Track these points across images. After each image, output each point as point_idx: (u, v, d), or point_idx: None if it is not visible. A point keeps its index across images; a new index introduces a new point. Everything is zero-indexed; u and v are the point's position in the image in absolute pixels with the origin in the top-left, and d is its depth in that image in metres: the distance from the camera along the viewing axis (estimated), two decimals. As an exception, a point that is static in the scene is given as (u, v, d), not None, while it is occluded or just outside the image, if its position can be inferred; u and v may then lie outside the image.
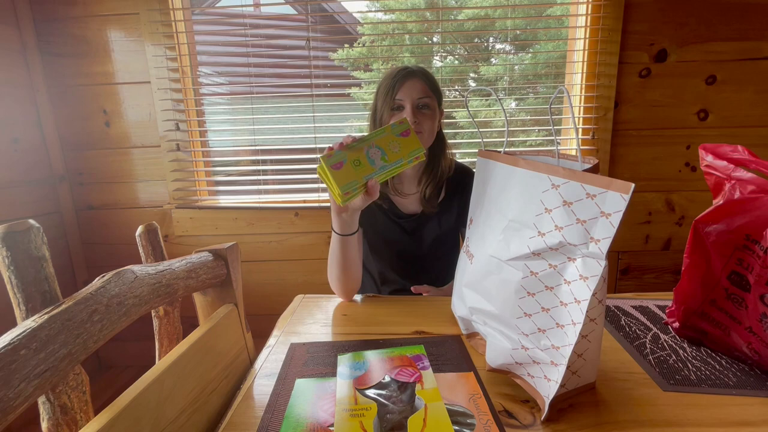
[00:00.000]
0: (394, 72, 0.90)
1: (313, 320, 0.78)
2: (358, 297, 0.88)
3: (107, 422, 0.39)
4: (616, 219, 0.42)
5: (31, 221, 0.41)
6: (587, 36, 1.50)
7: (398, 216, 1.00)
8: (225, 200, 1.71)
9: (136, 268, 0.51)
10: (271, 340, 0.71)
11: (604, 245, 0.44)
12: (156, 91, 1.56)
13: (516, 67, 1.69)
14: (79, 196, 1.67)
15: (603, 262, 0.44)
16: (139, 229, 0.71)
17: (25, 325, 0.36)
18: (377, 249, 1.02)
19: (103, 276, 0.46)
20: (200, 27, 1.67)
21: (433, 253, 1.03)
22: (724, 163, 0.61)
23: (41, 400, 0.42)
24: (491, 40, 2.70)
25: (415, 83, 0.88)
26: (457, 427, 0.47)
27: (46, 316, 0.37)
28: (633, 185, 0.41)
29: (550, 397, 0.49)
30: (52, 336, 0.36)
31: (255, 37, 1.62)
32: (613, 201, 0.43)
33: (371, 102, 0.94)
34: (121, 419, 0.41)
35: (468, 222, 0.70)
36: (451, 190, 1.00)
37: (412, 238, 1.01)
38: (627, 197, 0.41)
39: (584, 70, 1.52)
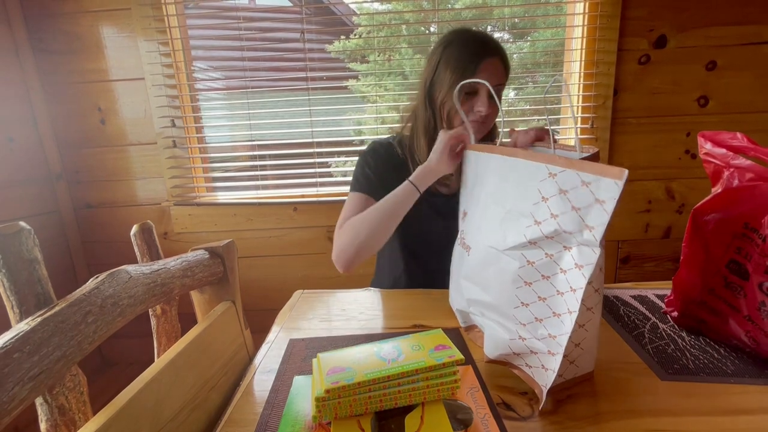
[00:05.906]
0: (467, 41, 0.73)
1: (312, 315, 0.78)
2: (361, 291, 0.88)
3: (105, 422, 0.39)
4: (610, 206, 0.42)
5: (22, 223, 0.41)
6: (586, 23, 1.48)
7: (431, 193, 0.85)
8: (223, 196, 1.70)
9: (130, 268, 0.50)
10: (271, 336, 0.71)
11: (599, 232, 0.44)
12: (150, 87, 1.55)
13: (514, 55, 1.67)
14: (77, 194, 1.67)
15: (598, 250, 0.44)
16: (134, 229, 0.70)
17: (17, 328, 0.36)
18: (407, 220, 0.84)
19: (97, 277, 0.45)
20: (193, 21, 1.64)
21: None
22: (723, 150, 0.60)
23: (39, 401, 0.42)
24: (489, 28, 2.66)
25: (497, 65, 0.73)
26: (454, 422, 0.47)
27: (39, 319, 0.37)
28: (626, 171, 0.40)
29: (548, 387, 0.49)
30: (46, 338, 0.36)
31: (249, 30, 1.60)
32: (607, 188, 0.42)
33: (419, 78, 0.78)
34: (120, 419, 0.41)
35: (461, 215, 0.69)
36: None
37: (441, 219, 0.91)
38: (621, 183, 0.41)
39: (583, 58, 1.50)
